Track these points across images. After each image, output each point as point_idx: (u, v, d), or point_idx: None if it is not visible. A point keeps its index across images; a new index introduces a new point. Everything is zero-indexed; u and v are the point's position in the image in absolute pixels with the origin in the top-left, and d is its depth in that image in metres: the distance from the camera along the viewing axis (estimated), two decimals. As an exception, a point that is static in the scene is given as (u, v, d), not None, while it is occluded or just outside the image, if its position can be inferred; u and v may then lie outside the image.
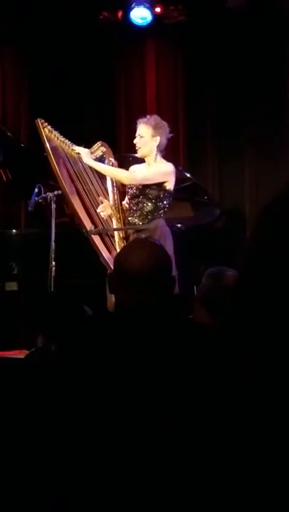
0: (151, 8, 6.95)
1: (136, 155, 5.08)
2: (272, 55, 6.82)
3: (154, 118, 4.98)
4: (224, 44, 6.96)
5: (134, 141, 4.96)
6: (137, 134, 4.94)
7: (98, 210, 5.01)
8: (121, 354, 1.66)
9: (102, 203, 5.02)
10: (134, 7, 6.91)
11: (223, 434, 0.76)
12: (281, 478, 0.73)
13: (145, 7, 6.91)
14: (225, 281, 2.59)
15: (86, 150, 4.99)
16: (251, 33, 6.85)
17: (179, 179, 5.68)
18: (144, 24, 7.03)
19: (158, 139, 4.88)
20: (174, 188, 5.08)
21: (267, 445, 0.74)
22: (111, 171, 5.02)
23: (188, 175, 6.07)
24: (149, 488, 0.78)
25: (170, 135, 4.98)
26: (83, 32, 7.11)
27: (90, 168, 5.04)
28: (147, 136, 4.89)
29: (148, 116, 4.99)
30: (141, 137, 4.91)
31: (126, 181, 4.96)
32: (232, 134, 7.06)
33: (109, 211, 5.04)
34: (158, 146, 4.89)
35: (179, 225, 5.56)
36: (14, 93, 7.29)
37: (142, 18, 6.98)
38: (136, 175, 4.92)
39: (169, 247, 4.82)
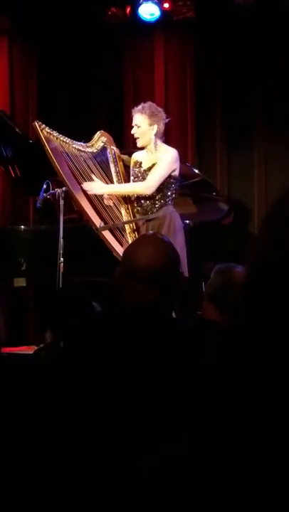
0: (160, 4, 6.93)
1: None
2: (281, 51, 6.80)
3: (149, 106, 4.91)
4: (233, 40, 6.94)
5: (132, 132, 4.91)
6: (133, 124, 4.89)
7: (105, 200, 5.00)
8: (127, 350, 1.65)
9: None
10: (142, 3, 6.89)
11: (231, 431, 0.76)
12: (283, 479, 0.73)
13: (153, 3, 6.89)
14: (233, 278, 2.59)
15: (97, 182, 4.93)
16: (260, 29, 6.84)
17: (188, 175, 5.67)
18: (153, 20, 7.01)
19: (155, 127, 4.83)
20: (182, 184, 5.07)
21: (272, 442, 0.74)
22: (129, 189, 4.95)
23: (196, 171, 6.06)
24: (154, 488, 0.79)
25: (167, 120, 4.93)
26: (91, 28, 7.10)
27: (93, 163, 5.03)
28: (144, 126, 4.84)
29: (142, 105, 4.92)
30: (138, 127, 4.86)
31: (147, 192, 4.85)
32: (241, 128, 7.04)
33: (114, 199, 5.03)
34: (156, 134, 4.85)
35: (188, 222, 5.56)
36: (23, 90, 7.29)
37: (150, 14, 6.96)
38: (151, 181, 4.84)
39: (179, 235, 4.81)
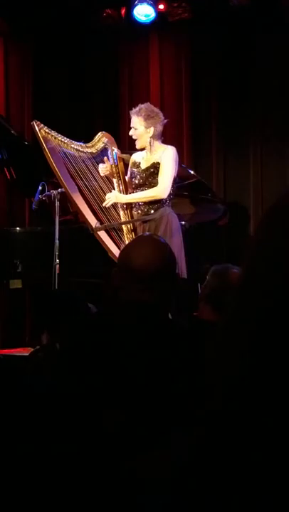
0: (155, 6, 6.93)
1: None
2: (277, 51, 6.80)
3: (145, 108, 4.92)
4: (228, 41, 6.94)
5: (130, 133, 4.95)
6: (131, 126, 4.93)
7: (107, 196, 5.01)
8: (124, 351, 1.65)
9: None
10: (137, 4, 6.89)
11: (233, 430, 0.76)
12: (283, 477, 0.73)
13: (148, 4, 6.89)
14: (230, 279, 2.59)
15: (114, 193, 4.96)
16: (255, 29, 6.84)
17: (183, 176, 5.68)
18: (148, 21, 7.01)
19: (151, 129, 4.86)
20: (178, 185, 5.07)
21: (270, 443, 0.74)
22: (146, 196, 4.93)
23: (192, 172, 6.07)
24: (154, 486, 0.78)
25: (165, 121, 4.96)
26: (87, 29, 7.09)
27: (92, 163, 5.05)
28: (141, 129, 4.88)
29: (139, 106, 4.94)
30: (135, 129, 4.91)
31: (162, 195, 4.86)
32: (236, 130, 7.05)
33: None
34: (153, 137, 4.88)
35: (183, 223, 5.56)
36: (18, 91, 7.29)
37: (145, 16, 6.96)
38: (163, 184, 4.86)
39: (176, 236, 4.82)
